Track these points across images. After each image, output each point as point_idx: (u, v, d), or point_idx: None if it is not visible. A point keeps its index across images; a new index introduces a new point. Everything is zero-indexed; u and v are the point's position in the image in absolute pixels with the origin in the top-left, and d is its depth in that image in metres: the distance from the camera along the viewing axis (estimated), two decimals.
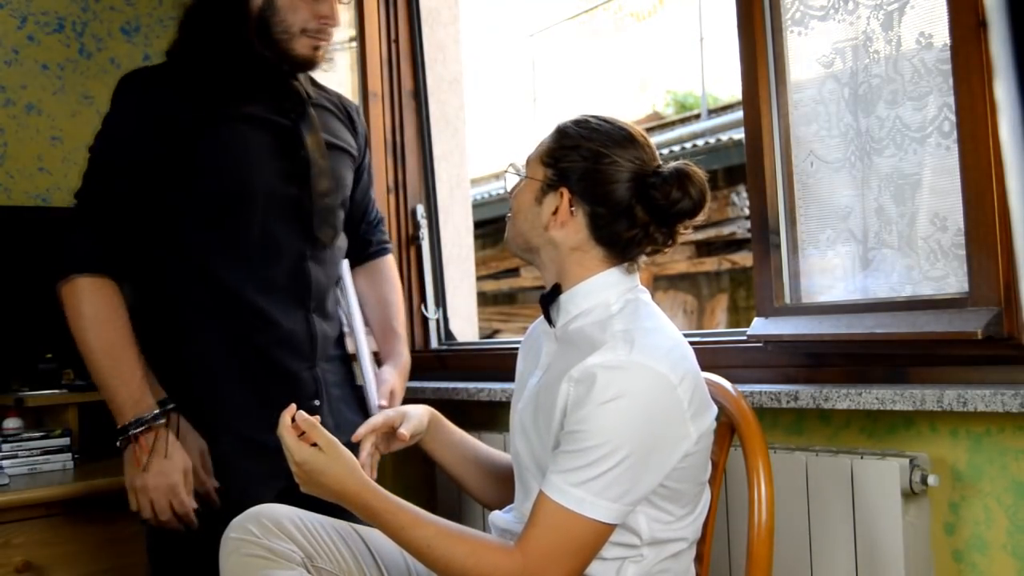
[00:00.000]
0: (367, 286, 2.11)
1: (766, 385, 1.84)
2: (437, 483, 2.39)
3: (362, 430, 1.64)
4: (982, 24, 1.56)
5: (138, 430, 1.73)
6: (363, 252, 2.12)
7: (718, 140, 6.49)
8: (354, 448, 1.53)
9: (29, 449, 2.32)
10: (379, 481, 1.47)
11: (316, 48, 1.83)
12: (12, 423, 2.34)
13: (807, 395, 1.72)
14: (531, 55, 10.18)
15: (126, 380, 1.75)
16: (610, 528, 1.36)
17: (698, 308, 7.06)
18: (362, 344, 1.94)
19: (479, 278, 5.17)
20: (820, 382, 1.82)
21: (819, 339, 1.78)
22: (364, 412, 1.99)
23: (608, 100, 9.89)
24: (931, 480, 1.61)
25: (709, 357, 1.81)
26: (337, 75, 2.69)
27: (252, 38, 1.81)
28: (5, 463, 2.26)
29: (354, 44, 2.77)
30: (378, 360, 2.02)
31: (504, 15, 10.84)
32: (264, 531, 1.50)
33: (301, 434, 1.43)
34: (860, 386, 1.71)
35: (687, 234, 1.50)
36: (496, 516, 1.59)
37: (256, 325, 1.82)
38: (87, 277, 1.76)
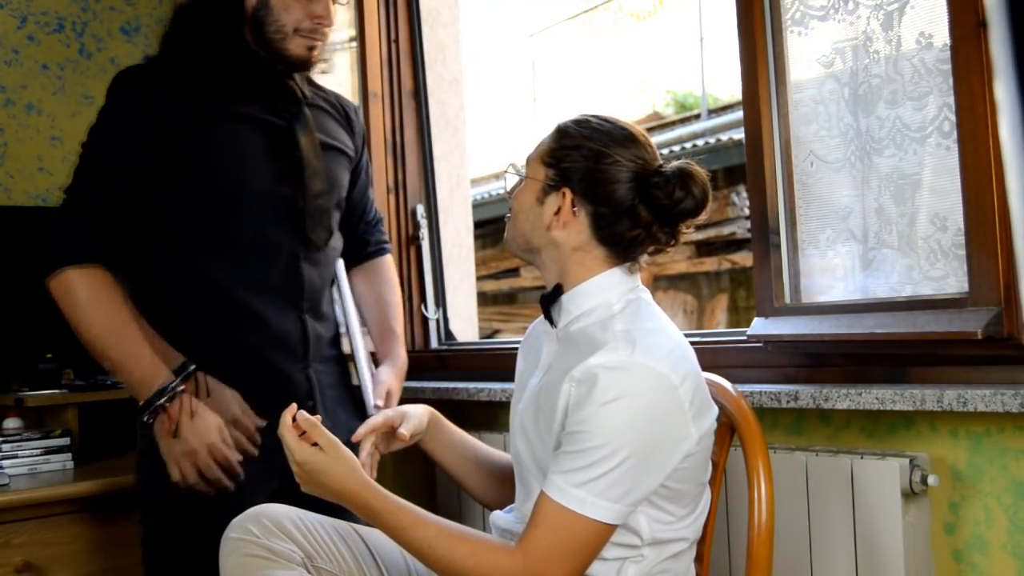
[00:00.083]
0: (365, 286, 2.09)
1: (766, 385, 1.84)
2: (437, 483, 2.39)
3: (362, 430, 1.64)
4: (982, 24, 1.56)
5: (160, 402, 1.72)
6: (361, 252, 2.11)
7: (718, 140, 6.48)
8: (353, 448, 1.53)
9: (29, 449, 2.32)
10: (379, 481, 1.47)
11: (311, 48, 1.82)
12: (12, 423, 2.34)
13: (807, 395, 1.72)
14: (531, 55, 10.18)
15: (136, 359, 1.73)
16: (611, 528, 1.36)
17: (698, 308, 7.06)
18: (358, 344, 1.92)
19: (479, 278, 5.17)
20: (820, 382, 1.82)
21: (819, 339, 1.78)
22: (360, 413, 1.98)
23: (608, 100, 9.89)
24: (931, 480, 1.61)
25: (709, 357, 1.81)
26: (337, 75, 2.69)
27: (247, 38, 1.80)
28: (5, 463, 2.26)
29: (354, 44, 2.77)
30: (375, 360, 2.01)
31: (504, 15, 10.85)
32: (264, 531, 1.50)
33: (302, 433, 1.44)
34: (860, 386, 1.71)
35: (689, 233, 1.50)
36: (497, 516, 1.59)
37: (249, 326, 1.81)
38: (77, 268, 1.74)
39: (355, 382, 1.99)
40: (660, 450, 1.36)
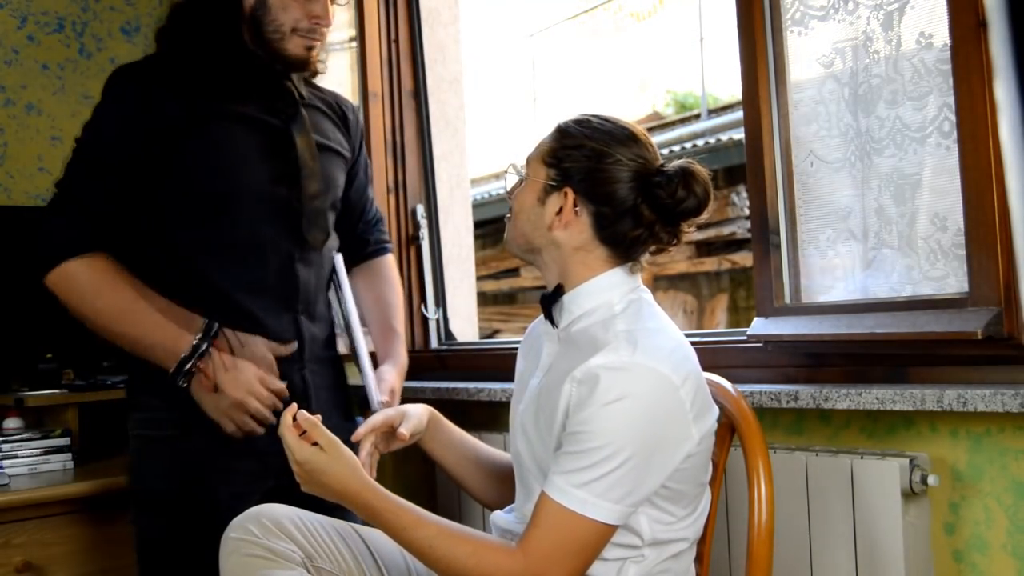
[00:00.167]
0: (364, 286, 2.08)
1: (766, 385, 1.84)
2: (437, 483, 2.39)
3: (362, 429, 1.63)
4: (982, 24, 1.56)
5: (191, 364, 1.72)
6: (361, 251, 2.10)
7: (718, 140, 6.48)
8: (352, 448, 1.53)
9: (29, 449, 2.32)
10: (379, 480, 1.47)
11: (309, 48, 1.82)
12: (12, 423, 2.34)
13: (807, 395, 1.72)
14: (531, 55, 10.18)
15: (156, 328, 1.73)
16: (612, 529, 1.36)
17: (698, 308, 7.06)
18: (359, 342, 1.91)
19: (479, 278, 5.17)
20: (820, 382, 1.82)
21: (819, 339, 1.78)
22: (350, 417, 1.98)
23: (608, 100, 9.89)
24: (931, 480, 1.61)
25: (709, 357, 1.81)
26: (337, 75, 2.69)
27: (245, 37, 1.80)
28: (5, 463, 2.26)
29: (354, 44, 2.77)
30: (375, 360, 2.00)
31: (504, 15, 10.85)
32: (264, 531, 1.50)
33: (302, 433, 1.43)
34: (860, 386, 1.71)
35: (691, 232, 1.50)
36: (497, 516, 1.59)
37: (243, 326, 1.80)
38: (76, 259, 1.73)
39: (354, 380, 1.98)
40: (661, 451, 1.36)
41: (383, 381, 1.87)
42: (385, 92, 2.78)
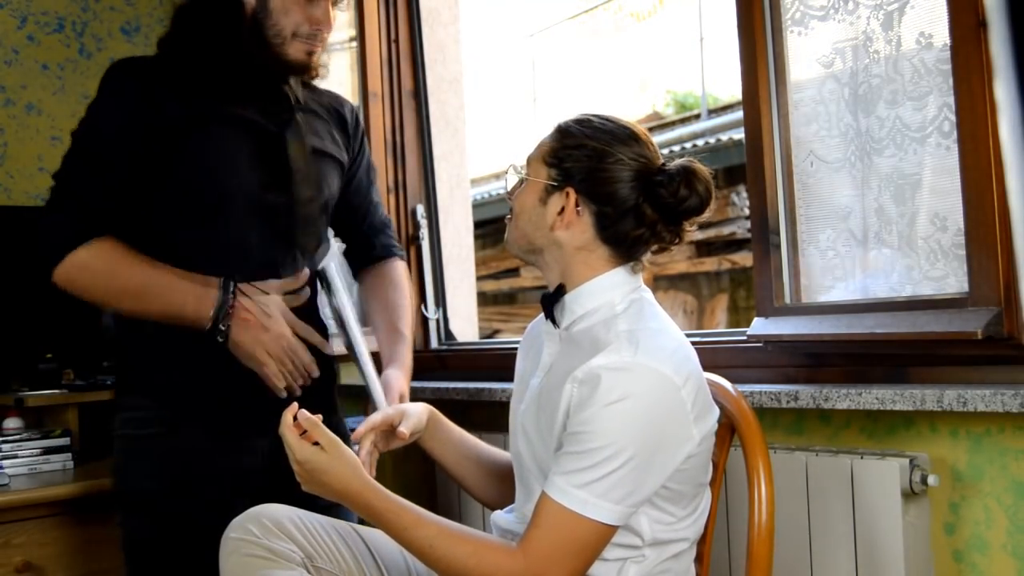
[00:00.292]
0: (370, 290, 2.03)
1: (766, 385, 1.84)
2: (437, 482, 2.39)
3: (361, 428, 1.63)
4: (982, 24, 1.56)
5: (224, 312, 1.70)
6: (366, 256, 2.06)
7: (718, 140, 6.49)
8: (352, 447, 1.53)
9: (29, 449, 2.32)
10: (379, 480, 1.47)
11: (310, 53, 1.80)
12: (12, 423, 2.34)
13: (807, 395, 1.72)
14: (531, 55, 10.18)
15: (181, 292, 1.71)
16: (612, 529, 1.36)
17: (698, 308, 7.06)
18: (359, 342, 1.83)
19: (479, 278, 5.17)
20: (820, 382, 1.82)
21: (819, 339, 1.78)
22: (336, 425, 1.95)
23: (608, 100, 9.89)
24: (931, 480, 1.61)
25: (709, 357, 1.81)
26: (337, 75, 2.69)
27: (245, 40, 1.79)
28: (5, 463, 2.26)
29: (354, 44, 2.78)
30: (378, 364, 1.96)
31: (504, 15, 10.85)
32: (264, 531, 1.50)
33: (303, 432, 1.43)
34: (860, 386, 1.71)
35: (692, 231, 1.50)
36: (498, 516, 1.59)
37: None
38: (80, 249, 1.71)
39: (352, 380, 1.96)
40: (662, 451, 1.36)
41: (391, 388, 1.80)
42: (385, 92, 2.78)
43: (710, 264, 6.87)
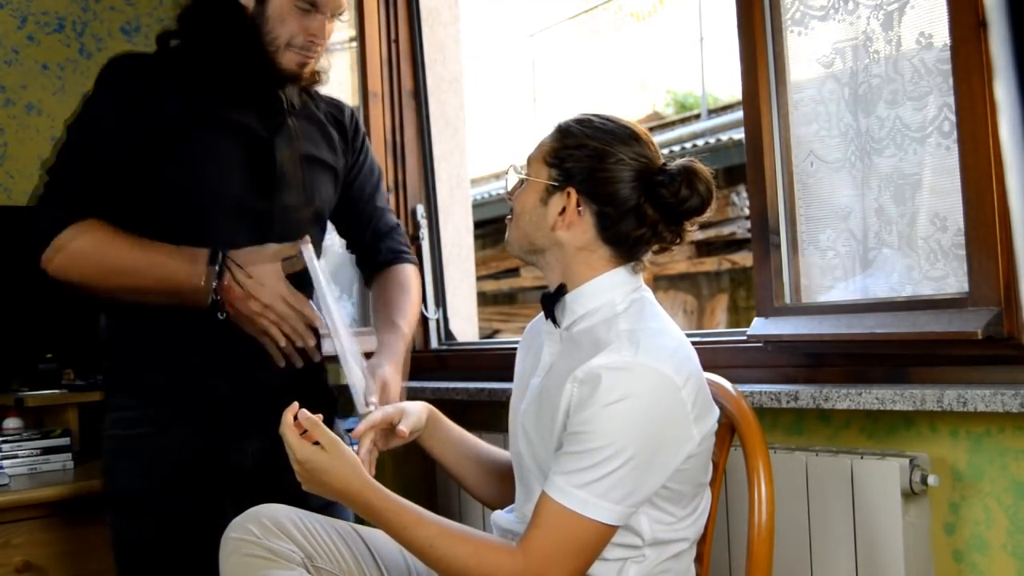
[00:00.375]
0: (376, 294, 2.01)
1: (766, 385, 1.84)
2: (437, 482, 2.39)
3: (361, 427, 1.62)
4: (982, 24, 1.56)
5: (216, 284, 1.69)
6: (373, 261, 2.03)
7: (718, 140, 6.49)
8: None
9: (29, 449, 2.32)
10: (379, 479, 1.46)
11: (302, 64, 1.78)
12: (12, 423, 2.34)
13: (807, 395, 1.72)
14: (531, 55, 10.18)
15: (172, 271, 1.70)
16: (613, 529, 1.36)
17: (698, 308, 7.06)
18: (342, 340, 1.75)
19: (479, 278, 5.17)
20: (820, 382, 1.82)
21: (819, 339, 1.78)
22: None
23: (608, 100, 9.89)
24: (931, 480, 1.61)
25: (709, 357, 1.81)
26: (337, 75, 2.69)
27: (242, 44, 1.78)
28: (5, 463, 2.26)
29: (354, 44, 2.78)
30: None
31: (504, 15, 10.85)
32: (264, 531, 1.50)
33: (303, 432, 1.43)
34: (860, 386, 1.71)
35: (693, 231, 1.50)
36: (498, 516, 1.59)
37: (216, 332, 1.74)
38: (66, 231, 1.70)
39: (343, 381, 1.93)
40: (662, 451, 1.36)
41: (374, 376, 1.74)
42: (385, 92, 2.78)
43: (710, 264, 6.87)
